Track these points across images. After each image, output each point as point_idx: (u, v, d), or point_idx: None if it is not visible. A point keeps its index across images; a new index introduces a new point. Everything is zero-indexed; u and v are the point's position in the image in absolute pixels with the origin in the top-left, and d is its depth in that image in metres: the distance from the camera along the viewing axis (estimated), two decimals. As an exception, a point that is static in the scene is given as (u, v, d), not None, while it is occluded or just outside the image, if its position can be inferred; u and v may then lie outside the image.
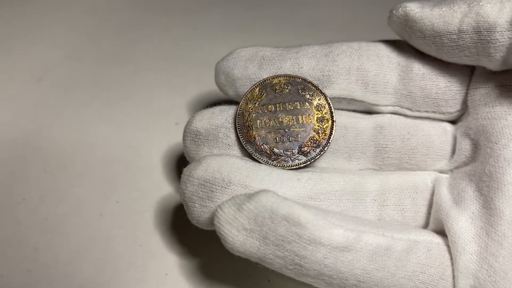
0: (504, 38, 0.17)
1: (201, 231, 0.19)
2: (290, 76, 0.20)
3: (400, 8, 0.19)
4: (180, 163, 0.27)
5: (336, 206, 0.19)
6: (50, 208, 0.25)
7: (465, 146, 0.20)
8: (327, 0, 0.41)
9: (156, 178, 0.26)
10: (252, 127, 0.20)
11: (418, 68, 0.20)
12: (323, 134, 0.20)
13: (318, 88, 0.20)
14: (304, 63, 0.21)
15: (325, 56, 0.20)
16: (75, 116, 0.30)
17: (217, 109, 0.21)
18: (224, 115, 0.21)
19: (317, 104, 0.20)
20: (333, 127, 0.20)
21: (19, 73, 0.33)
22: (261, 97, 0.20)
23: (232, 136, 0.20)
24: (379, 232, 0.16)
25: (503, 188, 0.17)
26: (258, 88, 0.21)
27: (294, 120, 0.20)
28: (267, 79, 0.21)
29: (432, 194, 0.20)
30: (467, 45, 0.18)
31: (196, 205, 0.18)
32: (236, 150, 0.20)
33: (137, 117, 0.30)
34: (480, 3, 0.17)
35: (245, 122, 0.20)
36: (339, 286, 0.16)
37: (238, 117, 0.20)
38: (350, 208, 0.19)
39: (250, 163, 0.19)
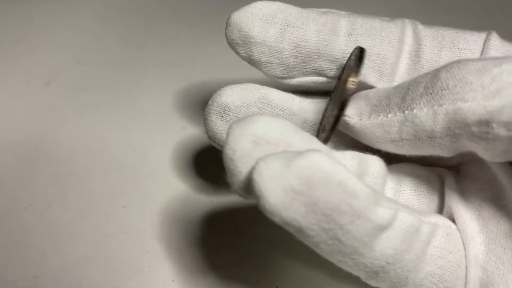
0: (447, 142, 0.16)
1: (208, 237, 0.19)
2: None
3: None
4: (187, 168, 0.27)
5: None
6: (57, 213, 0.24)
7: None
8: (336, 2, 0.40)
9: (163, 183, 0.26)
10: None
11: (427, 60, 0.20)
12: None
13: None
14: (330, 40, 0.19)
15: (348, 35, 0.19)
16: (83, 120, 0.30)
17: (249, 85, 0.20)
18: (257, 94, 0.19)
19: None
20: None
21: (27, 77, 0.33)
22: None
23: None
24: (409, 211, 0.16)
25: (509, 186, 0.17)
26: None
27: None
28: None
29: (443, 186, 0.19)
30: (417, 148, 0.17)
31: (247, 167, 0.15)
32: None
33: (144, 121, 0.30)
34: (413, 112, 0.16)
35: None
36: (365, 267, 0.15)
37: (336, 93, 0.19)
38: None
39: (306, 132, 0.16)
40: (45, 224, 0.24)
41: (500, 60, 0.14)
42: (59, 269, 0.22)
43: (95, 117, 0.30)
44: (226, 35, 0.20)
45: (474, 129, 0.14)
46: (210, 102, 0.20)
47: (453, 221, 0.18)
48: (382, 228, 0.14)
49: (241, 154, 0.15)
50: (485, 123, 0.14)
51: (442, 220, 0.17)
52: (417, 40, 0.20)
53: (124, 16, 0.39)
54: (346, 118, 0.18)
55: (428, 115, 0.15)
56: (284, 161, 0.13)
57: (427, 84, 0.16)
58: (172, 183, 0.26)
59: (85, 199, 0.25)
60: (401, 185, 0.19)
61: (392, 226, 0.15)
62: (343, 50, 0.20)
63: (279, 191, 0.13)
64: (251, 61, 0.20)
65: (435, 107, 0.15)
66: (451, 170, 0.20)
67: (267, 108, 0.20)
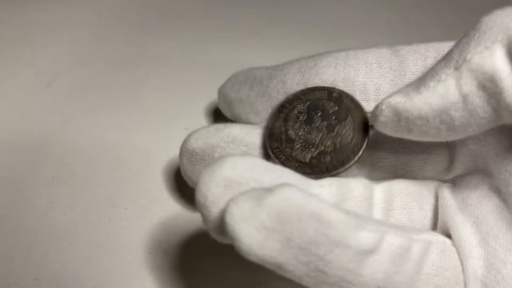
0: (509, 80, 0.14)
1: (211, 239, 0.19)
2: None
3: (384, 106, 0.17)
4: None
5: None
6: (59, 214, 0.24)
7: (464, 157, 0.19)
8: (340, 2, 0.40)
9: (165, 184, 0.26)
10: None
11: (412, 73, 0.19)
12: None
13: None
14: (288, 79, 0.21)
15: (310, 69, 0.20)
16: (84, 121, 0.30)
17: (213, 127, 0.21)
18: (220, 135, 0.20)
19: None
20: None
21: (28, 78, 0.33)
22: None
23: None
24: (398, 232, 0.16)
25: (509, 199, 0.16)
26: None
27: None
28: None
29: (437, 200, 0.19)
30: (479, 106, 0.15)
31: (220, 211, 0.15)
32: None
33: (146, 122, 0.29)
34: (467, 57, 0.15)
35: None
36: None
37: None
38: (365, 214, 0.18)
39: (278, 166, 0.16)
40: (46, 226, 0.24)
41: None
42: (61, 271, 0.22)
43: (97, 118, 0.30)
44: (218, 104, 0.24)
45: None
46: (180, 148, 0.21)
47: (448, 236, 0.17)
48: (366, 252, 0.14)
49: (213, 199, 0.15)
50: None
51: (436, 237, 0.17)
52: (397, 56, 0.20)
53: (126, 16, 0.39)
54: (393, 104, 0.16)
55: (483, 54, 0.14)
56: (254, 200, 0.13)
57: (467, 34, 0.15)
58: (175, 184, 0.26)
59: (87, 200, 0.25)
60: (391, 205, 0.19)
61: (378, 249, 0.14)
62: (305, 83, 0.21)
63: (252, 231, 0.13)
64: (235, 118, 0.23)
65: (488, 44, 0.14)
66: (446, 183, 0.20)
67: (231, 146, 0.20)
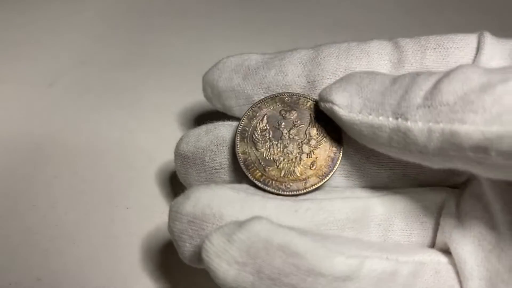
0: (438, 160, 0.15)
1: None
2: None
3: (326, 103, 0.17)
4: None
5: None
6: (61, 214, 0.24)
7: None
8: (341, 2, 0.40)
9: (167, 184, 0.26)
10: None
11: (410, 64, 0.19)
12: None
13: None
14: (289, 70, 0.20)
15: (312, 60, 0.20)
16: (86, 121, 0.29)
17: (203, 129, 0.20)
18: (210, 137, 0.20)
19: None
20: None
21: (30, 78, 0.32)
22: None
23: (218, 159, 0.19)
24: (383, 255, 0.15)
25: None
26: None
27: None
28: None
29: (440, 213, 0.18)
30: (405, 157, 0.16)
31: (187, 244, 0.17)
32: (224, 174, 0.19)
33: (148, 122, 0.29)
34: (407, 123, 0.14)
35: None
36: None
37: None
38: (353, 236, 0.17)
39: (242, 194, 0.17)
40: (48, 226, 0.24)
41: (506, 75, 0.13)
42: (63, 271, 0.22)
43: (99, 118, 0.30)
44: (203, 94, 0.22)
45: (470, 153, 0.13)
46: (174, 152, 0.21)
47: (446, 251, 0.17)
48: (343, 279, 0.14)
49: (179, 235, 0.17)
50: (483, 149, 0.13)
51: (430, 256, 0.16)
52: (397, 48, 0.19)
53: (128, 16, 0.39)
54: (335, 108, 0.17)
55: (422, 131, 0.14)
56: (225, 236, 0.14)
57: (426, 94, 0.14)
58: (177, 184, 0.26)
59: (89, 200, 0.25)
60: (391, 225, 0.18)
61: (358, 276, 0.14)
62: (306, 74, 0.20)
63: (224, 265, 0.14)
64: (226, 110, 0.21)
65: (430, 124, 0.14)
66: (459, 187, 0.19)
67: (221, 148, 0.20)
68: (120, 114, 0.30)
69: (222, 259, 0.14)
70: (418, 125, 0.14)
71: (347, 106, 0.16)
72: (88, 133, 0.29)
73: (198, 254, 0.16)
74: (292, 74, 0.20)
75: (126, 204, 0.25)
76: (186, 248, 0.17)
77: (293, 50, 0.20)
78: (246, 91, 0.20)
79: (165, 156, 0.27)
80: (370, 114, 0.16)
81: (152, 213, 0.24)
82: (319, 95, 0.18)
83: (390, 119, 0.15)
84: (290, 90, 0.20)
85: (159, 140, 0.28)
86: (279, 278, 0.14)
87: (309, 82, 0.19)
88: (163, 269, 0.22)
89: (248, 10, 0.39)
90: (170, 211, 0.17)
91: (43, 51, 0.35)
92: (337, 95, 0.17)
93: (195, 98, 0.31)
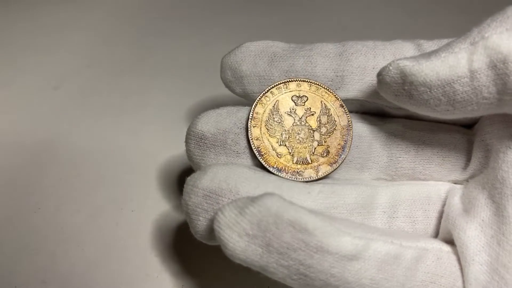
0: None
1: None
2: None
3: (391, 66, 0.16)
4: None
5: None
6: (66, 217, 0.24)
7: (480, 152, 0.18)
8: (343, 4, 0.40)
9: (172, 187, 0.26)
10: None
11: None
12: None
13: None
14: (318, 62, 0.19)
15: (339, 55, 0.20)
16: (91, 124, 0.30)
17: (224, 110, 0.20)
18: (233, 119, 0.19)
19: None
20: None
21: (36, 81, 0.33)
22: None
23: (242, 143, 0.19)
24: (388, 239, 0.16)
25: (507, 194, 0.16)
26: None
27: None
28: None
29: (443, 205, 0.19)
30: (485, 85, 0.15)
31: (200, 218, 0.17)
32: (245, 159, 0.19)
33: (154, 125, 0.29)
34: (485, 35, 0.15)
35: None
36: None
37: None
38: (360, 221, 0.18)
39: (259, 173, 0.18)
40: (53, 228, 0.24)
41: None
42: (68, 273, 0.22)
43: (104, 121, 0.30)
44: (221, 78, 0.21)
45: None
46: (188, 130, 0.20)
47: (450, 242, 0.17)
48: (349, 259, 0.14)
49: (193, 208, 0.17)
50: None
51: (433, 244, 0.17)
52: (420, 50, 0.19)
53: (133, 20, 0.39)
54: (401, 66, 0.16)
55: (502, 35, 0.14)
56: (238, 209, 0.14)
57: (490, 17, 0.15)
58: (182, 187, 0.26)
59: (94, 203, 0.25)
60: (395, 212, 0.18)
61: (363, 256, 0.15)
62: (335, 68, 0.20)
63: (235, 237, 0.14)
64: (247, 96, 0.20)
65: (508, 27, 0.14)
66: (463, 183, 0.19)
67: (244, 133, 0.19)
68: (124, 117, 0.30)
69: (233, 230, 0.14)
70: (497, 31, 0.14)
71: (414, 60, 0.16)
72: (93, 136, 0.29)
73: (210, 229, 0.17)
74: (321, 66, 0.20)
75: (131, 207, 0.25)
76: (200, 222, 0.17)
77: (318, 43, 0.20)
78: (272, 77, 0.20)
79: (170, 159, 0.27)
80: (442, 54, 0.16)
81: (156, 216, 0.24)
82: (380, 72, 0.17)
83: (464, 45, 0.15)
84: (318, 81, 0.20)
85: (164, 143, 0.28)
86: (287, 252, 0.14)
87: (337, 76, 0.19)
88: (169, 272, 0.22)
89: (252, 14, 0.40)
90: (186, 185, 0.17)
91: (49, 55, 0.35)
92: (400, 60, 0.16)
93: (200, 101, 0.31)
